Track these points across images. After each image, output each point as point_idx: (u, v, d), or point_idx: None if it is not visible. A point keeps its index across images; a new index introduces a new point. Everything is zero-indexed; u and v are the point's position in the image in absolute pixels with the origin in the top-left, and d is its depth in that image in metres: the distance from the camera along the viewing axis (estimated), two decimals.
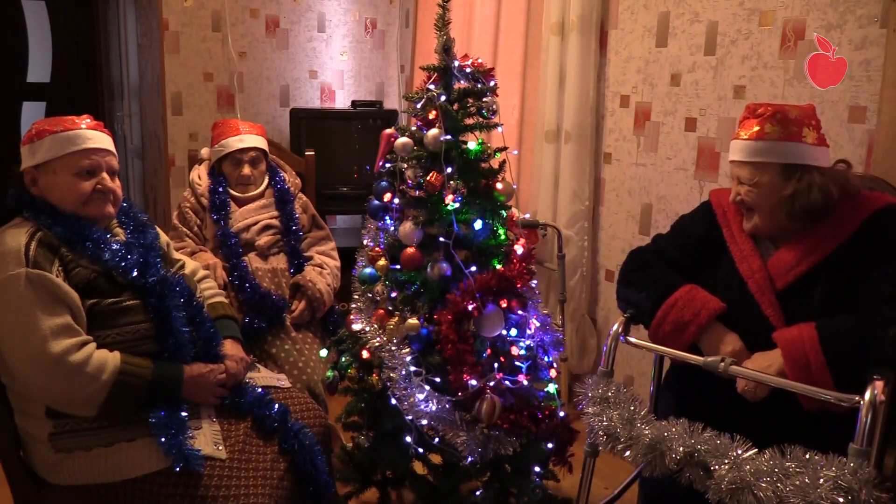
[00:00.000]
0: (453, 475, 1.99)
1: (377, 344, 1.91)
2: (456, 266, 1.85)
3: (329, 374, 2.15)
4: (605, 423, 1.61)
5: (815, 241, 1.66)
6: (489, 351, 1.84)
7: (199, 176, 2.71)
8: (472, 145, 1.92)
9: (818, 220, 1.67)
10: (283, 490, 1.76)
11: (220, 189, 2.64)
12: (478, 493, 1.99)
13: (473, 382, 1.74)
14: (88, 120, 1.82)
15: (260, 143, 2.68)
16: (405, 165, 1.95)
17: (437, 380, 1.81)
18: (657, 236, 1.99)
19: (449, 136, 1.87)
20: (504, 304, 1.83)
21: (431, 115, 1.89)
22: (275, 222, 2.65)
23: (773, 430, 1.52)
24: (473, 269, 1.85)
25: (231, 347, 1.92)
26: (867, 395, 1.37)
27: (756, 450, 1.41)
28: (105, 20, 5.10)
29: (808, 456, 1.35)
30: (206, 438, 1.72)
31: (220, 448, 1.71)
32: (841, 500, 1.28)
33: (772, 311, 1.67)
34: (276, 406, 1.85)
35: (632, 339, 1.78)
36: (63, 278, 1.66)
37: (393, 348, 1.85)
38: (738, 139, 1.72)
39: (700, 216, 1.93)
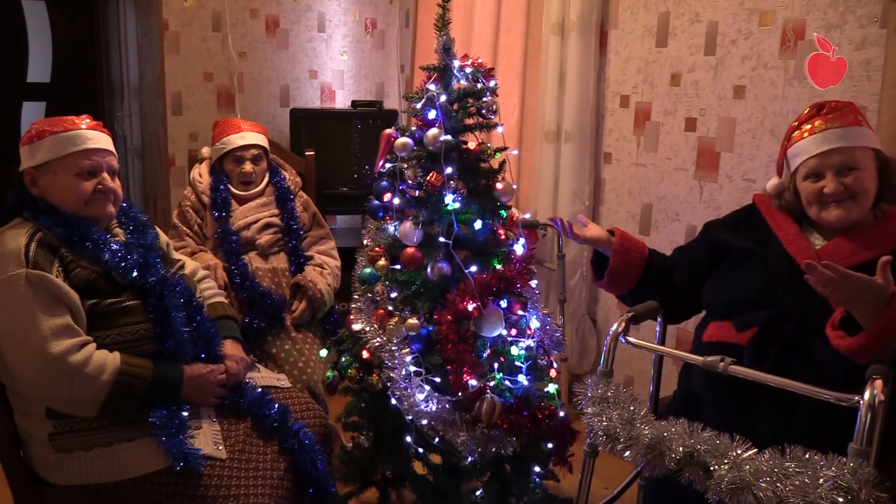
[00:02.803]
0: (453, 475, 1.99)
1: (377, 344, 1.91)
2: (456, 266, 1.84)
3: (329, 374, 2.15)
4: (604, 423, 1.60)
5: (871, 239, 1.68)
6: (489, 351, 1.84)
7: (200, 174, 2.71)
8: (471, 145, 1.92)
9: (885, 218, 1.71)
10: (283, 490, 1.76)
11: (222, 187, 2.64)
12: (478, 493, 1.98)
13: (473, 382, 1.74)
14: (88, 120, 1.83)
15: (261, 140, 2.69)
16: (405, 165, 1.95)
17: (437, 380, 1.81)
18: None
19: (449, 136, 1.87)
20: (504, 304, 1.84)
21: (431, 115, 1.89)
22: (275, 220, 2.65)
23: (772, 429, 1.52)
24: (473, 269, 1.85)
25: (231, 347, 1.92)
26: (866, 395, 1.36)
27: (756, 450, 1.41)
28: (105, 20, 5.09)
29: (807, 456, 1.35)
30: (206, 438, 1.72)
31: (220, 448, 1.71)
32: (840, 499, 1.27)
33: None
34: (276, 406, 1.86)
35: (632, 339, 1.78)
36: (63, 279, 1.66)
37: (393, 348, 1.85)
38: (831, 129, 1.69)
39: (734, 213, 1.97)
